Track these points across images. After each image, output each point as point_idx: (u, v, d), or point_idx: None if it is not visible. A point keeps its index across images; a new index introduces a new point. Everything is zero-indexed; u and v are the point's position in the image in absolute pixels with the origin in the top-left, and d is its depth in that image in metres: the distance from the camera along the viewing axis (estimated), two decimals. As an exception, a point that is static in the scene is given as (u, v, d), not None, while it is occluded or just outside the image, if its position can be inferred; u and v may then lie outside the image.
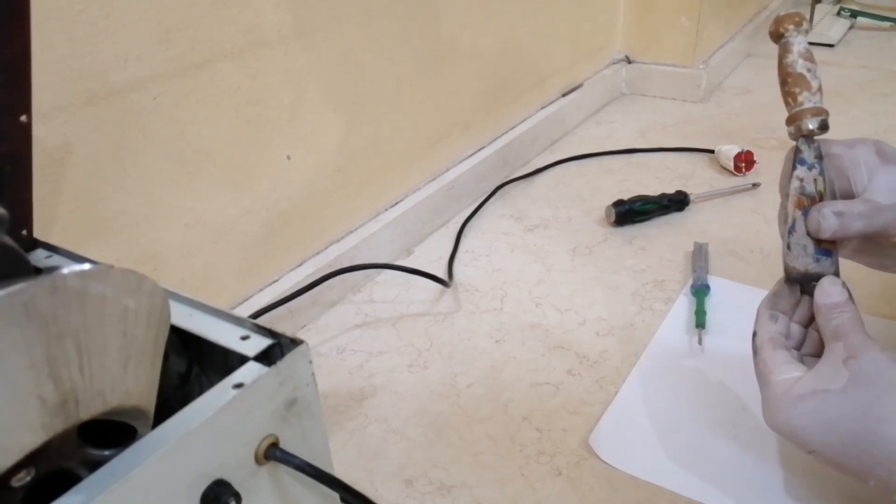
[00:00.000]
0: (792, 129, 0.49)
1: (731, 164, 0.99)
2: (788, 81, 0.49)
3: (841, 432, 0.41)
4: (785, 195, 0.50)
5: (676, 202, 0.91)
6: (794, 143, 0.49)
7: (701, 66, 1.29)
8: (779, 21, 0.49)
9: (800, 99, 0.48)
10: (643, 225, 0.90)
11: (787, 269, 0.49)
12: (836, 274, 0.47)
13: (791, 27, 0.48)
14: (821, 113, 0.48)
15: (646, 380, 0.64)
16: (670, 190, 0.92)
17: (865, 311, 0.69)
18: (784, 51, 0.49)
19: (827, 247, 0.47)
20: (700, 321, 0.69)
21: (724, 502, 0.52)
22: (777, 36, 0.49)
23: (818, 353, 0.45)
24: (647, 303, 0.75)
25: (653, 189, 0.94)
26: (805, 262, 0.47)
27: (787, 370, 0.44)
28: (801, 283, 0.48)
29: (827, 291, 0.45)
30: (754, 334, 0.48)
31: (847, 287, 0.46)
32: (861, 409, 0.40)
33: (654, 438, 0.57)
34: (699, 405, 0.60)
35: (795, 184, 0.48)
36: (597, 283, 0.79)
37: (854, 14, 1.64)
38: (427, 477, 0.56)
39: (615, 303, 0.75)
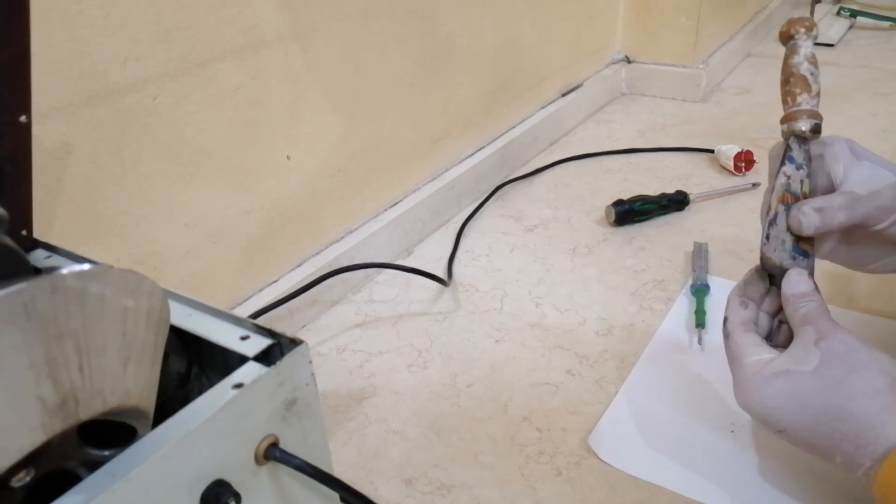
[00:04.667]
0: (785, 127, 0.50)
1: (730, 164, 0.99)
2: (791, 81, 0.50)
3: (812, 409, 0.42)
4: (770, 189, 0.51)
5: (676, 202, 0.91)
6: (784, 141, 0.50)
7: (701, 66, 1.29)
8: (791, 23, 0.51)
9: (798, 100, 0.49)
10: (643, 225, 0.90)
11: (762, 259, 0.50)
12: (811, 274, 0.48)
13: (802, 30, 0.50)
14: (815, 117, 0.49)
15: (645, 380, 0.64)
16: (670, 190, 0.92)
17: (863, 310, 0.70)
18: (791, 52, 0.51)
19: (805, 247, 0.48)
20: (700, 321, 0.69)
21: (723, 502, 0.52)
22: (787, 37, 0.51)
23: (785, 345, 0.47)
24: (646, 303, 0.75)
25: (653, 189, 0.94)
26: (781, 256, 0.48)
27: (759, 352, 0.46)
28: (774, 275, 0.49)
29: (794, 282, 0.47)
30: (725, 319, 0.50)
31: (814, 280, 0.47)
32: (832, 386, 0.42)
33: (654, 438, 0.57)
34: (699, 405, 0.60)
35: (782, 179, 0.49)
36: (597, 282, 0.79)
37: (854, 14, 1.64)
38: (427, 477, 0.56)
39: (615, 303, 0.75)
